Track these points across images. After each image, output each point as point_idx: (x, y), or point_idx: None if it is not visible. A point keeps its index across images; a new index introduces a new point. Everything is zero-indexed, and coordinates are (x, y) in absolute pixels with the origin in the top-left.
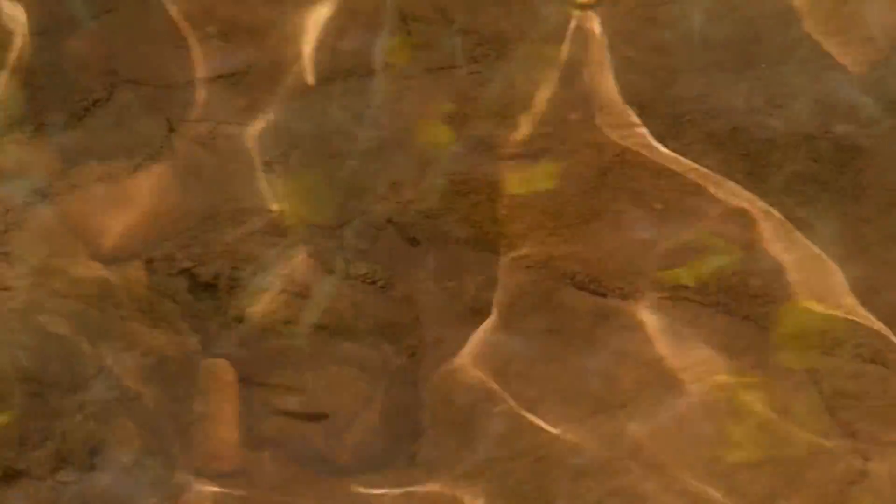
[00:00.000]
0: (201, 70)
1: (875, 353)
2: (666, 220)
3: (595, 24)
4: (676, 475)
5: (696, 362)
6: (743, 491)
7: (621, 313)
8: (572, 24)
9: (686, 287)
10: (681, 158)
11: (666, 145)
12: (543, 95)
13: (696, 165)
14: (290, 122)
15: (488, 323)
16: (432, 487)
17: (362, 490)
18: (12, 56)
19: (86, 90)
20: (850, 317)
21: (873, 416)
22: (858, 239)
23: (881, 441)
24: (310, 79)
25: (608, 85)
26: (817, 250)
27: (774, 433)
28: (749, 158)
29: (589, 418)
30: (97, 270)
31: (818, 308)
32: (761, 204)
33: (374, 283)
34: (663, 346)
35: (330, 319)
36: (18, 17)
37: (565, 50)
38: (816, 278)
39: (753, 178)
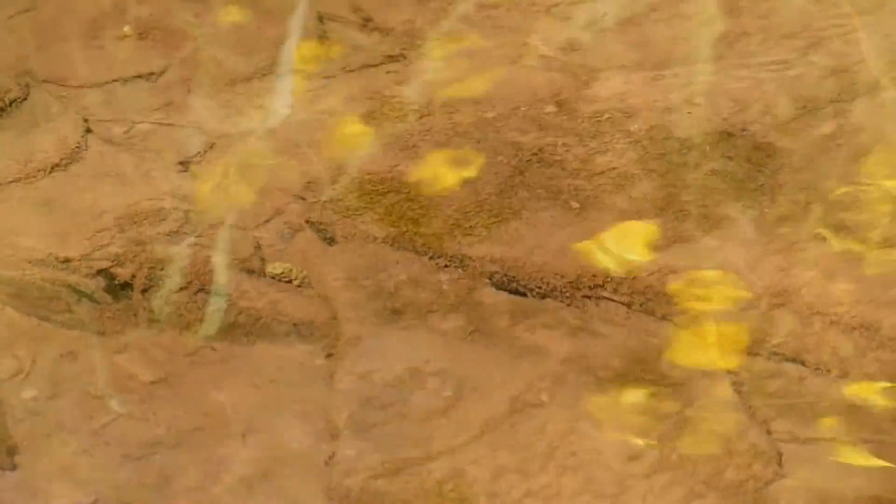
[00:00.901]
0: (117, 70)
1: (794, 352)
2: (583, 219)
3: (512, 22)
4: (593, 475)
5: (614, 361)
6: (660, 492)
7: (540, 312)
8: (488, 22)
9: (604, 286)
10: None
11: (584, 144)
12: (460, 94)
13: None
14: (205, 121)
15: (406, 322)
16: (350, 486)
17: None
18: None
19: (1, 90)
20: (768, 315)
21: (791, 415)
22: (776, 238)
23: (799, 440)
24: (224, 78)
25: (526, 83)
26: (735, 249)
27: (692, 433)
28: (666, 157)
29: (507, 417)
30: (13, 270)
31: (737, 307)
32: (678, 203)
33: (290, 282)
34: (582, 345)
35: (246, 319)
36: None
37: (481, 47)
38: (734, 277)
39: (670, 177)
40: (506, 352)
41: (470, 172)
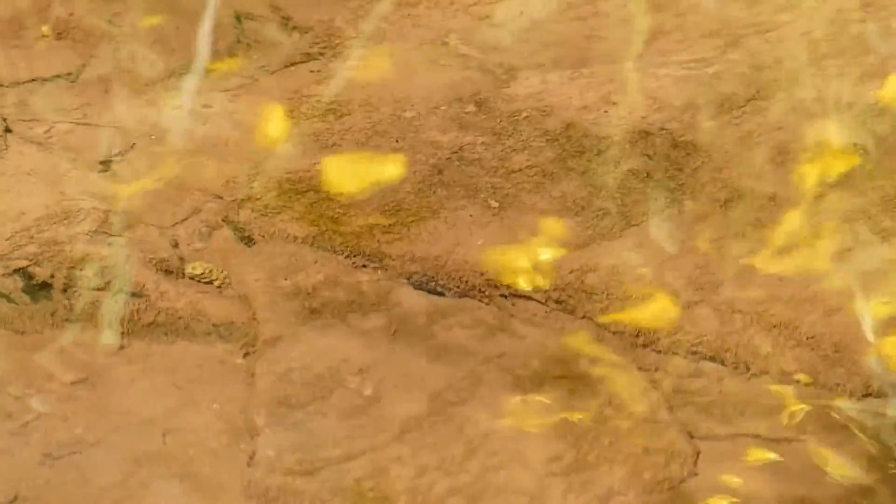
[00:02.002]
0: (36, 70)
1: (713, 351)
2: (502, 218)
3: (431, 21)
4: (513, 474)
5: (532, 361)
6: (580, 489)
7: (458, 311)
8: (408, 21)
9: (525, 284)
10: None
11: (502, 143)
12: (379, 93)
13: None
14: (124, 121)
15: (324, 322)
16: (269, 485)
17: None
18: None
19: None
20: (687, 314)
21: (709, 414)
22: (695, 235)
23: (717, 438)
24: (143, 78)
25: (445, 82)
26: (654, 247)
27: (611, 432)
28: (585, 155)
29: (427, 417)
30: None
31: (656, 305)
32: (597, 201)
33: (210, 282)
34: (500, 344)
35: (166, 319)
36: None
37: (401, 47)
38: (654, 275)
39: (589, 176)
40: (425, 351)
41: (389, 171)
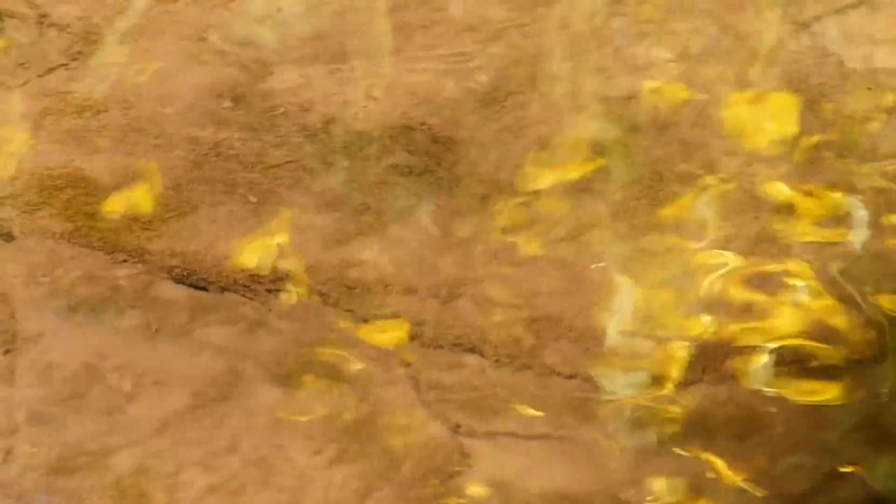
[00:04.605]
0: None
1: (473, 343)
2: (261, 213)
3: (190, 17)
4: (275, 469)
5: (290, 356)
6: (340, 485)
7: (220, 307)
8: (166, 17)
9: (285, 280)
10: None
11: (260, 138)
12: (137, 90)
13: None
14: None
15: (81, 318)
16: (26, 482)
17: None
18: None
19: None
20: (448, 307)
21: (471, 407)
22: (454, 231)
23: (479, 432)
24: None
25: (203, 78)
26: (415, 242)
27: (371, 427)
28: (346, 150)
29: (188, 412)
30: None
31: (417, 299)
32: (357, 196)
33: None
34: (259, 340)
35: None
36: None
37: (159, 43)
38: (415, 270)
39: (349, 171)
40: (185, 347)
41: (147, 167)
